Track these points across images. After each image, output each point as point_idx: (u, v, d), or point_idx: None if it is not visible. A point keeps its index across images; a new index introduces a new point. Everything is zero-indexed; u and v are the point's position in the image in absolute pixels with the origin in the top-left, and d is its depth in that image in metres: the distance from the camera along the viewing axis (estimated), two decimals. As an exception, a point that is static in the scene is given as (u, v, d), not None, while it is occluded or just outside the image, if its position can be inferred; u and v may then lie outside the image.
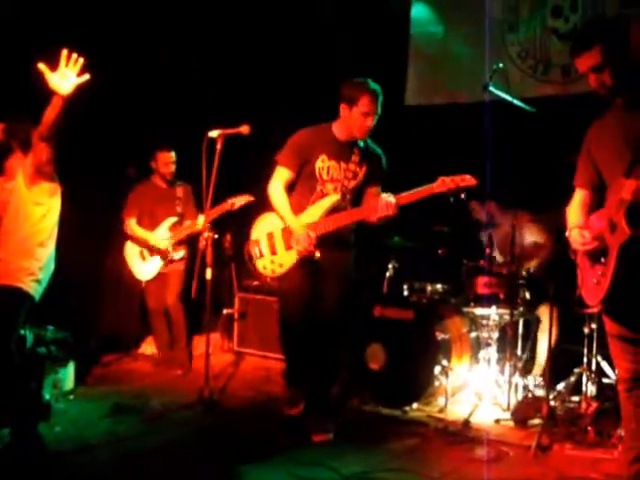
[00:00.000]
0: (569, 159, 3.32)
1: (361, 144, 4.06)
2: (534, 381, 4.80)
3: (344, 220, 4.00)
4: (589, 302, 3.07)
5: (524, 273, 4.85)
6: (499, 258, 5.12)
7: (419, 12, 6.57)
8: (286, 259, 4.05)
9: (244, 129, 4.24)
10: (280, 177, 4.06)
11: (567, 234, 3.18)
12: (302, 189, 4.08)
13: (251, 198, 5.35)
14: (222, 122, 4.35)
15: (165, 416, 4.43)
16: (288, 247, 4.04)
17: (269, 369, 5.69)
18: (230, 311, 6.39)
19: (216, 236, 4.72)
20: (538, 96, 5.65)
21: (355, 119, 3.90)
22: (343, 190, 4.05)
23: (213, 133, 4.27)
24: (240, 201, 5.40)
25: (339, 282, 4.08)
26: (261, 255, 4.14)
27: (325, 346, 4.09)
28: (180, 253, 5.81)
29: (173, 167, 5.80)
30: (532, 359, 4.99)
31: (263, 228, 4.19)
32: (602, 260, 2.98)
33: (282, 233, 4.08)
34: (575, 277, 3.20)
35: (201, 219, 5.23)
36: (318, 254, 3.95)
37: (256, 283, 6.32)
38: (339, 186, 4.04)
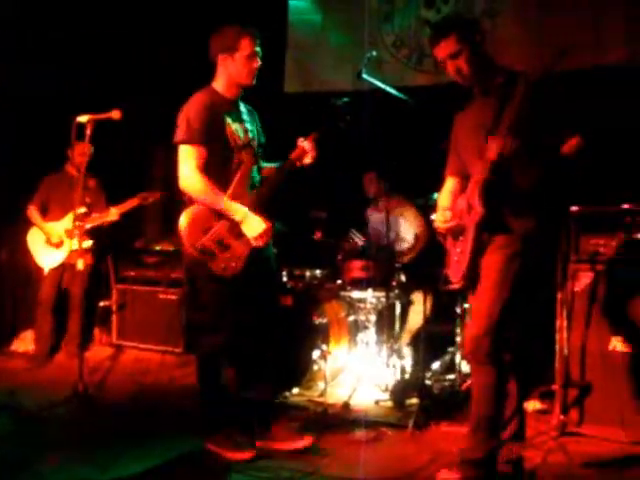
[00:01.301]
0: (443, 146, 3.45)
1: (239, 102, 3.71)
2: (404, 349, 4.92)
3: (277, 179, 3.61)
4: (453, 280, 3.21)
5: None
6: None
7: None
8: (242, 249, 3.47)
9: (115, 114, 4.13)
10: (192, 160, 3.40)
11: (433, 217, 3.32)
12: (215, 169, 3.46)
13: (159, 195, 5.52)
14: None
15: (38, 414, 4.25)
16: (239, 236, 3.47)
17: (149, 361, 5.62)
18: (107, 303, 6.25)
19: (88, 226, 4.62)
20: (413, 85, 5.81)
21: (241, 66, 3.54)
22: (253, 153, 3.60)
23: (82, 118, 4.13)
24: (151, 197, 5.59)
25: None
26: (213, 255, 3.42)
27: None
28: (88, 243, 5.66)
29: (86, 159, 5.73)
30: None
31: (195, 223, 3.44)
32: (461, 239, 3.13)
33: (224, 224, 3.46)
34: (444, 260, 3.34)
35: (113, 211, 5.50)
36: None
37: (134, 274, 6.20)
38: (250, 150, 3.58)
